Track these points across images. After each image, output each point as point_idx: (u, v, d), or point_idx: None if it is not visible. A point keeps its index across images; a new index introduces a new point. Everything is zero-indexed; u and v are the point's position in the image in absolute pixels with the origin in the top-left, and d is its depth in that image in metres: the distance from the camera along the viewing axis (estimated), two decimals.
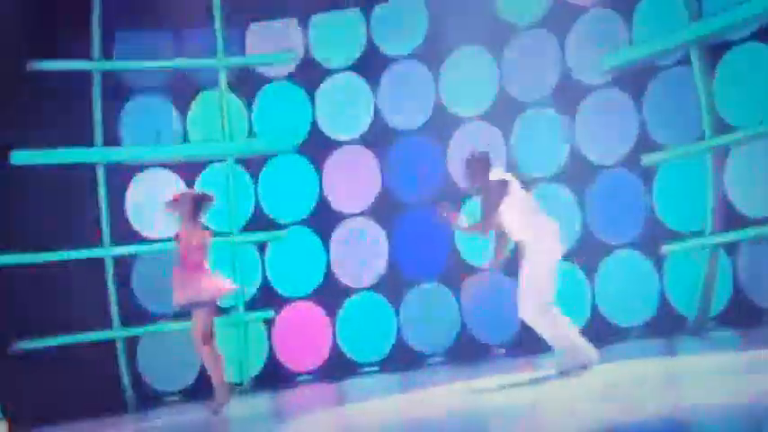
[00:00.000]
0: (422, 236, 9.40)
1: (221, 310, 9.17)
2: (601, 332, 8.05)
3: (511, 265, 6.84)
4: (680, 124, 8.26)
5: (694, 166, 8.18)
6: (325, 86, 9.77)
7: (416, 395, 6.97)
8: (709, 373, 5.66)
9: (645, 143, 8.51)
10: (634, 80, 8.50)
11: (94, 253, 8.92)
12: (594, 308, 8.73)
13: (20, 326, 8.54)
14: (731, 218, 8.00)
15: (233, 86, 9.54)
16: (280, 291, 9.65)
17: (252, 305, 9.40)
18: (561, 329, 6.35)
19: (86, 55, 9.04)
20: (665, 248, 8.28)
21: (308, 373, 9.59)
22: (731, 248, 8.07)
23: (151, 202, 9.00)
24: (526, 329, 6.77)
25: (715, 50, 8.01)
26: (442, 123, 9.44)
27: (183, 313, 7.93)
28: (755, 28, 7.79)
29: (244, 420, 7.09)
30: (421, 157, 9.50)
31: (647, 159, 8.37)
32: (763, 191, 7.83)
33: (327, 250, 9.65)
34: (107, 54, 9.24)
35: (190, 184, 9.36)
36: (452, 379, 7.73)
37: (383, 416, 6.04)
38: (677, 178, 8.38)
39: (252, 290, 9.48)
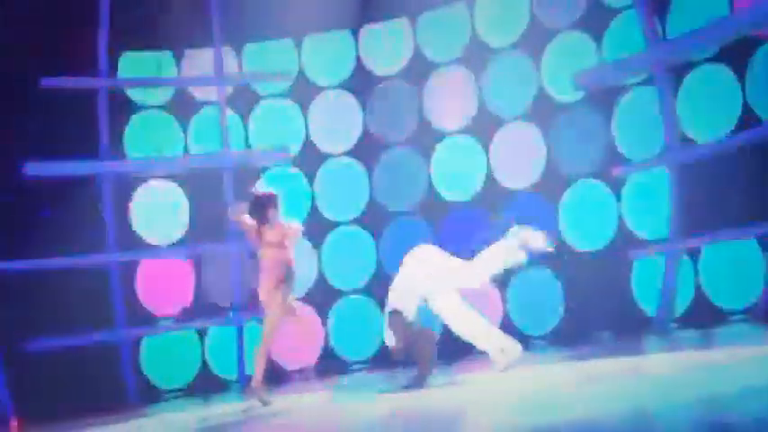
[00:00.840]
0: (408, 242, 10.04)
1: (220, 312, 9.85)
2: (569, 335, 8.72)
3: None
4: (645, 139, 8.86)
5: (659, 178, 8.76)
6: (318, 103, 10.40)
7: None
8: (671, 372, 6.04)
9: (613, 156, 9.09)
10: (603, 98, 9.06)
11: (101, 259, 9.42)
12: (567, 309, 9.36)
13: (29, 327, 8.91)
14: (693, 225, 8.60)
15: (231, 103, 10.17)
16: None
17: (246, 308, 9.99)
18: None
19: (93, 72, 9.54)
20: (632, 253, 8.87)
21: (301, 370, 10.17)
22: (693, 253, 8.65)
23: (153, 211, 9.77)
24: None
25: (678, 71, 8.58)
26: (425, 136, 10.09)
27: (184, 317, 8.45)
28: (716, 50, 8.39)
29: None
30: (406, 170, 10.15)
31: (617, 171, 8.98)
32: (721, 200, 8.44)
33: (320, 255, 10.27)
34: (112, 71, 9.82)
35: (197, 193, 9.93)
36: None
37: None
38: (643, 189, 8.96)
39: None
